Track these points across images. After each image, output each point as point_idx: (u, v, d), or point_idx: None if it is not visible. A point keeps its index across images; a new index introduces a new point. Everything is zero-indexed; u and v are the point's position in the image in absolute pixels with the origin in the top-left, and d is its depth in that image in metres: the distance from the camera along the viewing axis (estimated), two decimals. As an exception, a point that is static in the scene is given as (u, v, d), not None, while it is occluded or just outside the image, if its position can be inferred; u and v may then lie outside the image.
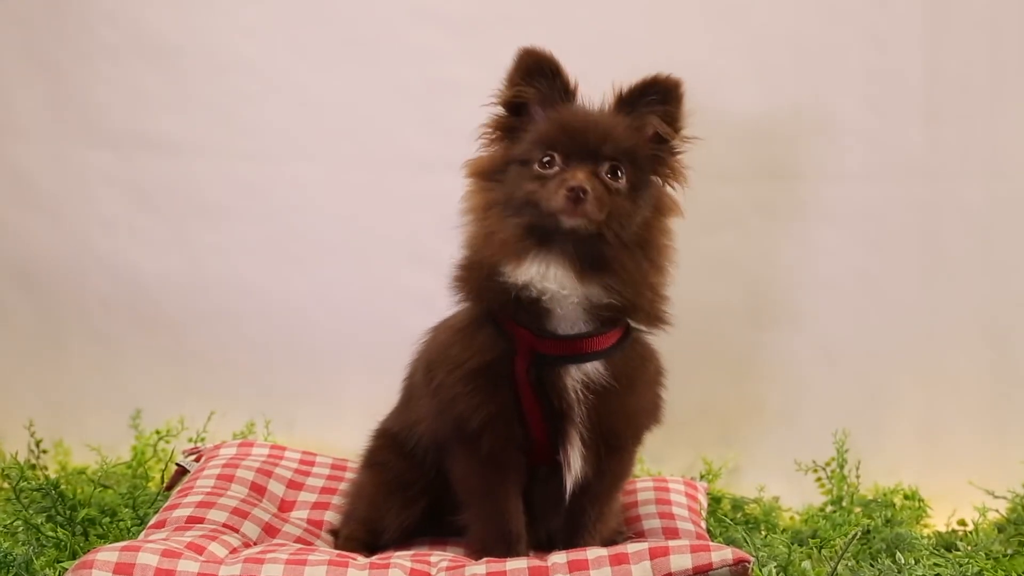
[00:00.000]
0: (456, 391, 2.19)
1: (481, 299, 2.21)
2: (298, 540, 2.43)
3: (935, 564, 2.45)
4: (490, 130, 2.26)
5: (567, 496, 2.24)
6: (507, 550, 2.19)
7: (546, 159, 2.15)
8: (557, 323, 2.16)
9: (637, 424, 2.28)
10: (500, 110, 2.25)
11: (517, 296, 2.14)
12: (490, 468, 2.22)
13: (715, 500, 2.98)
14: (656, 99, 2.22)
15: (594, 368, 2.17)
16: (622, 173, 2.16)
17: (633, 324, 2.23)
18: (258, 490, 2.58)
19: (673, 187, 2.27)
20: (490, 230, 2.18)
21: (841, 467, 3.09)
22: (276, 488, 2.64)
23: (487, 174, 2.23)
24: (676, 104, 2.24)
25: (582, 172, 2.10)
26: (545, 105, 2.21)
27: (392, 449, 2.44)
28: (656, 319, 2.24)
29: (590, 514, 2.29)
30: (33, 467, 3.11)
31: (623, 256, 2.15)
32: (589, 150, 2.14)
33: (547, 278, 2.13)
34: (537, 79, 2.21)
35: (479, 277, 2.19)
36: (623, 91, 2.22)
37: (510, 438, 2.19)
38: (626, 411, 2.22)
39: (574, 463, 2.21)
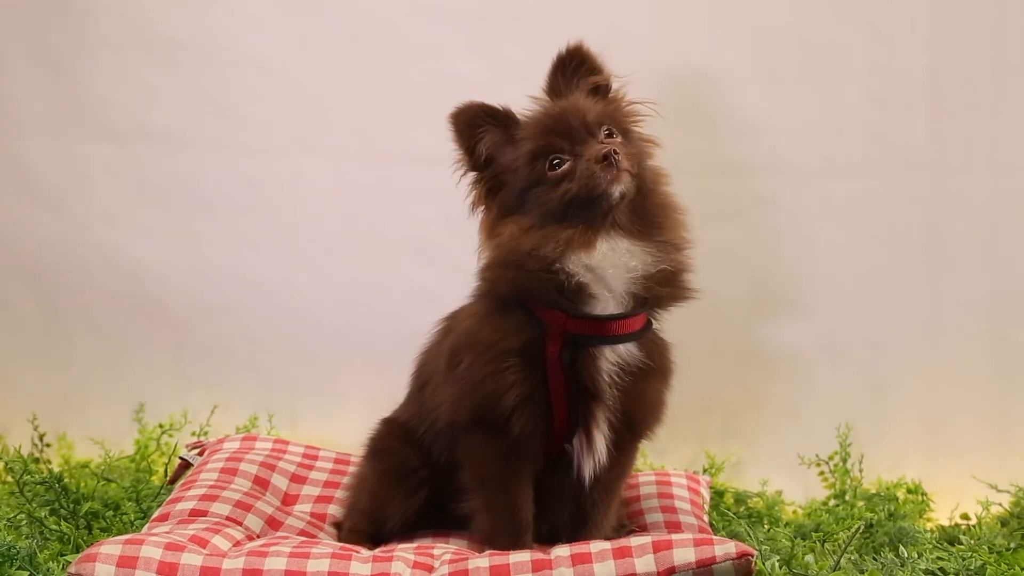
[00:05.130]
0: (487, 372, 2.19)
1: (523, 290, 2.19)
2: (301, 533, 2.44)
3: (938, 558, 2.45)
4: (480, 199, 2.28)
5: (586, 483, 2.25)
6: (514, 540, 2.20)
7: (555, 162, 2.18)
8: (592, 304, 2.17)
9: (656, 412, 2.29)
10: (473, 175, 2.28)
11: (561, 284, 2.15)
12: (509, 454, 2.22)
13: (718, 494, 2.98)
14: (574, 67, 2.30)
15: (628, 350, 2.18)
16: (616, 133, 2.22)
17: (652, 311, 2.24)
18: (261, 484, 2.58)
19: (641, 132, 2.32)
20: (545, 237, 2.16)
21: (844, 461, 3.10)
22: (279, 482, 2.64)
23: (504, 214, 2.24)
24: (592, 60, 2.31)
25: (596, 144, 2.16)
26: (506, 143, 2.24)
27: (396, 437, 2.46)
28: (684, 289, 2.26)
29: (600, 508, 2.30)
30: (37, 461, 3.11)
31: (658, 209, 2.23)
32: (582, 129, 2.19)
33: (617, 250, 2.16)
34: (482, 129, 2.25)
35: (534, 268, 2.16)
36: (546, 84, 2.31)
37: (539, 422, 2.19)
38: (653, 395, 2.25)
39: (599, 447, 2.22)
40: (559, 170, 2.17)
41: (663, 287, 2.21)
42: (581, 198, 2.14)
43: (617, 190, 2.14)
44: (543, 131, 2.21)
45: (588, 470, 2.23)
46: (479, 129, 2.25)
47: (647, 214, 2.21)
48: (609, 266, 2.16)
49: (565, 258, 2.15)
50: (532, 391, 2.17)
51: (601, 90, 2.31)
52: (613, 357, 2.18)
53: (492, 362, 2.19)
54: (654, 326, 2.27)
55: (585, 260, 2.15)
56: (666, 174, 2.32)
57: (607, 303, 2.17)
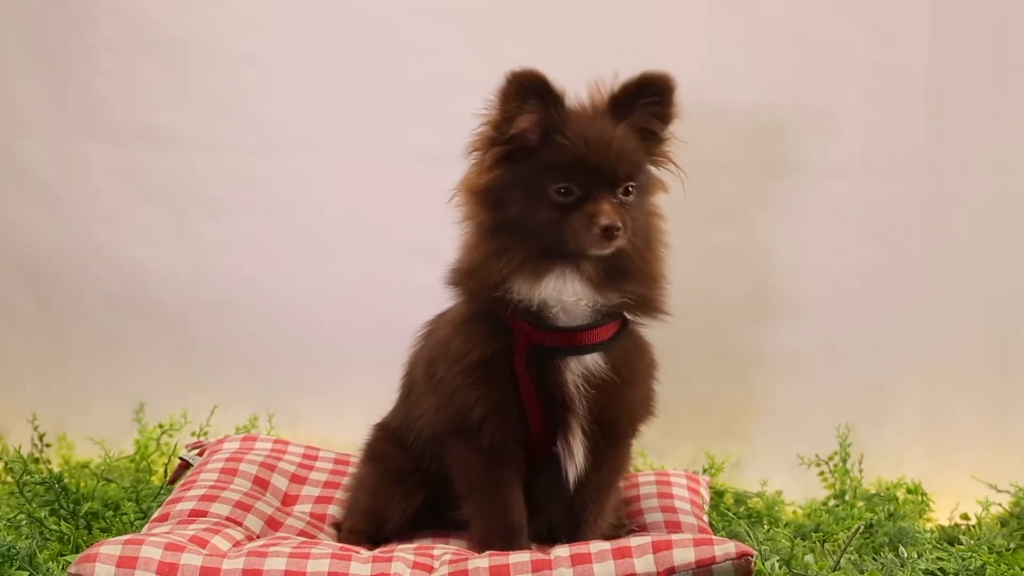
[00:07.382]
0: (456, 384, 2.20)
1: (481, 302, 2.20)
2: (301, 533, 2.44)
3: (938, 558, 2.45)
4: (481, 152, 2.17)
5: (571, 488, 2.25)
6: (509, 542, 2.19)
7: (562, 188, 2.10)
8: (555, 318, 2.16)
9: (634, 415, 2.29)
10: (491, 131, 2.16)
11: (509, 303, 2.14)
12: (490, 461, 2.23)
13: (718, 494, 2.98)
14: (653, 101, 2.19)
15: (594, 361, 2.17)
16: (633, 189, 2.15)
17: (630, 317, 2.23)
18: (261, 484, 2.58)
19: (659, 170, 2.26)
20: (501, 248, 2.15)
21: (844, 461, 3.10)
22: (279, 482, 2.64)
23: (487, 193, 2.16)
24: (670, 101, 2.22)
25: (607, 204, 2.08)
26: (543, 126, 2.12)
27: (391, 441, 2.46)
28: (656, 310, 2.23)
29: (591, 509, 2.30)
30: (36, 461, 3.11)
31: (638, 259, 2.18)
32: (607, 177, 2.11)
33: (564, 292, 2.14)
34: (530, 101, 2.13)
35: (481, 286, 2.17)
36: (616, 92, 2.18)
37: (510, 430, 2.19)
38: (625, 402, 2.24)
39: (577, 454, 2.22)
40: (559, 199, 2.10)
41: (629, 310, 2.20)
42: (560, 239, 2.10)
43: (598, 253, 2.11)
44: (570, 156, 2.09)
45: (572, 475, 2.24)
46: (529, 100, 2.11)
47: (619, 269, 2.16)
48: (555, 300, 2.14)
49: (507, 283, 2.13)
50: (500, 403, 2.17)
51: (650, 133, 2.20)
52: (579, 368, 2.17)
53: (461, 375, 2.19)
54: (641, 322, 2.26)
55: (526, 292, 2.13)
56: (656, 208, 2.25)
57: (573, 316, 2.16)
